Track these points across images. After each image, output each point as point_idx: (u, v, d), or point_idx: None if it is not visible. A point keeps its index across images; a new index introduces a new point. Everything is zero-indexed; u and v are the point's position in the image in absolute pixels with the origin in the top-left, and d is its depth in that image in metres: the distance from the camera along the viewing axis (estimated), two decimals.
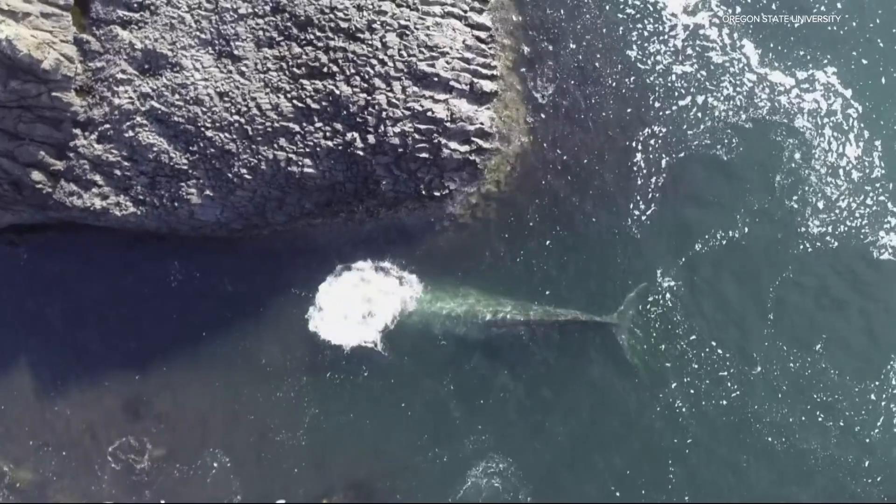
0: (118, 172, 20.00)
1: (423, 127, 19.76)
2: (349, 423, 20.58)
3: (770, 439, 20.10)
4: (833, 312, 20.89)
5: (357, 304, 21.04)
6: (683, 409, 20.31)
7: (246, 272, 21.41)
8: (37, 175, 20.00)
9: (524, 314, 20.42)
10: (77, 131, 19.90)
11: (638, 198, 21.20)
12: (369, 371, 20.75)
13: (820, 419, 20.16)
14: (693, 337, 20.62)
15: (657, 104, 21.66)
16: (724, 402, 20.26)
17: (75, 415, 21.12)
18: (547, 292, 20.89)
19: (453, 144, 20.03)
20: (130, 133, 19.68)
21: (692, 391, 20.39)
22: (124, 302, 21.47)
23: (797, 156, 21.36)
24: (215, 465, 20.60)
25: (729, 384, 20.39)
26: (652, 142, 21.49)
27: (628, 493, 19.99)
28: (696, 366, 20.52)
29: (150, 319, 21.34)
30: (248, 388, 20.92)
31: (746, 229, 21.05)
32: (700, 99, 21.73)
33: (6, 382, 21.42)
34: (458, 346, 20.76)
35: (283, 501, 20.09)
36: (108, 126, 19.78)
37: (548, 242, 21.16)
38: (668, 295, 20.83)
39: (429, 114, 19.71)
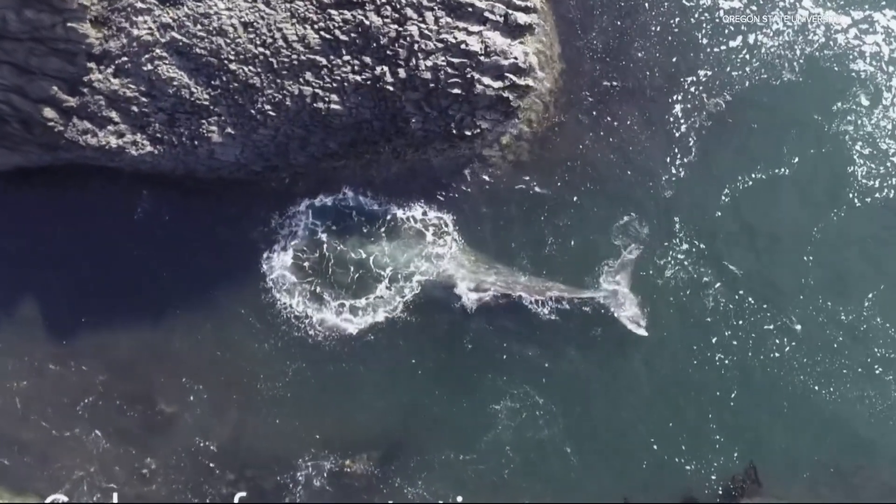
0: (135, 109, 19.03)
1: (455, 60, 18.83)
2: (348, 380, 19.53)
3: (816, 387, 19.25)
4: (885, 265, 19.97)
5: (365, 257, 20.07)
6: (727, 362, 19.47)
7: (251, 216, 20.30)
8: (49, 112, 19.04)
9: (509, 288, 19.60)
10: (92, 65, 18.94)
11: (676, 150, 20.30)
12: (370, 329, 19.72)
13: (878, 371, 19.30)
14: (732, 291, 19.77)
15: (704, 41, 20.74)
16: (775, 356, 19.39)
17: (48, 361, 19.89)
18: (563, 256, 20.02)
19: (486, 80, 19.09)
20: (149, 66, 18.73)
21: (735, 343, 19.54)
22: (122, 245, 20.42)
23: (854, 104, 20.40)
24: (195, 409, 19.57)
25: (775, 338, 19.53)
26: (693, 86, 20.63)
27: (667, 446, 19.16)
28: (741, 321, 19.65)
29: (141, 262, 20.27)
30: (231, 336, 19.79)
31: (792, 169, 20.18)
32: (749, 38, 20.75)
33: None
34: (464, 307, 19.82)
35: (244, 494, 19.04)
36: (125, 59, 18.83)
37: (575, 198, 20.26)
38: (703, 251, 19.99)
39: (462, 46, 18.79)
